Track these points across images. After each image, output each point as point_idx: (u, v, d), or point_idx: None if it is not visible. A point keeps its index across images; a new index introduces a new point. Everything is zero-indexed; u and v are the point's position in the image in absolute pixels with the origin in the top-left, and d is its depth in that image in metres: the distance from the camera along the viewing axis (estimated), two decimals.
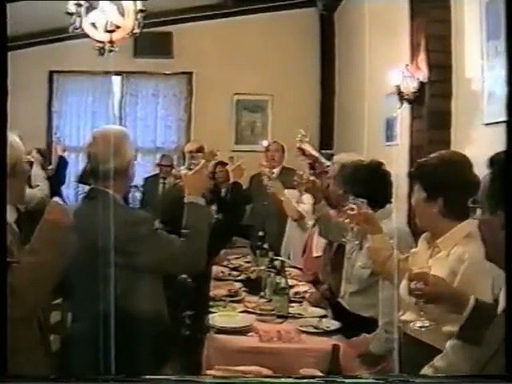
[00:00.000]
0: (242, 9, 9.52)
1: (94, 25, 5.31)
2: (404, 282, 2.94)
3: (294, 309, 4.06)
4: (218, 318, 3.80)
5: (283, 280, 4.07)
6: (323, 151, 9.10)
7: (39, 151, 7.32)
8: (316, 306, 4.19)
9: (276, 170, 7.04)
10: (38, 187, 6.53)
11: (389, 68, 5.79)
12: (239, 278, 5.02)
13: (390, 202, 3.91)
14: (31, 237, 2.73)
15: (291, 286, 4.40)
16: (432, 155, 3.00)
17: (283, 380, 2.69)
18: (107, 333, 2.64)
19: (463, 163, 2.94)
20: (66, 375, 2.67)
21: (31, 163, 2.94)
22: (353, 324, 3.73)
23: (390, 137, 6.40)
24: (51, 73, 9.73)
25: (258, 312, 3.97)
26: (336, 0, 9.25)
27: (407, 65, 5.60)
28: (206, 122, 9.44)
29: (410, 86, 5.52)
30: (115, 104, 9.86)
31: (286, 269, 4.52)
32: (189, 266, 3.17)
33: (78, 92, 9.84)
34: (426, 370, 2.62)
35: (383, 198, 3.90)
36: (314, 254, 5.18)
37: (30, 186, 6.02)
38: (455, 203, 2.81)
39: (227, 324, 3.67)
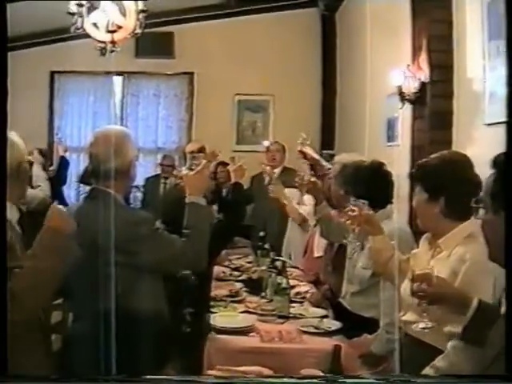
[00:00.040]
0: (243, 9, 9.53)
1: (95, 25, 5.31)
2: (406, 283, 2.94)
3: (295, 309, 4.06)
4: (219, 318, 3.80)
5: (284, 280, 4.07)
6: (324, 151, 9.14)
7: (40, 152, 7.32)
8: (317, 307, 4.18)
9: (277, 170, 7.05)
10: (40, 187, 6.54)
11: (390, 68, 5.79)
12: (240, 278, 5.02)
13: (391, 203, 3.90)
14: (32, 236, 2.73)
15: (292, 287, 4.40)
16: (432, 156, 3.00)
17: (285, 380, 2.69)
18: (108, 332, 2.64)
19: (464, 163, 2.94)
20: (67, 375, 2.67)
21: (31, 163, 2.94)
22: (354, 324, 3.73)
23: (391, 137, 6.40)
24: (52, 73, 9.75)
25: (259, 312, 3.97)
26: (337, 0, 9.25)
27: (409, 65, 5.60)
28: (208, 123, 9.44)
29: (412, 86, 5.52)
30: (116, 104, 9.87)
31: (287, 269, 4.52)
32: (190, 266, 3.17)
33: (80, 92, 9.85)
34: (427, 371, 2.62)
35: (384, 199, 3.89)
36: (316, 254, 5.18)
37: (32, 187, 6.02)
38: (457, 203, 2.81)
39: (228, 324, 3.67)
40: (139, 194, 8.49)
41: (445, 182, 2.83)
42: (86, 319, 2.98)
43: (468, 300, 2.47)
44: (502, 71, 4.10)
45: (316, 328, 3.68)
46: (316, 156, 4.98)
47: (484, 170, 2.39)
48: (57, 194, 7.18)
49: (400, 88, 5.63)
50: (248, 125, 9.94)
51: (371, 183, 3.88)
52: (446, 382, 2.57)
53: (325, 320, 3.84)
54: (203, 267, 3.26)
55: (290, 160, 7.04)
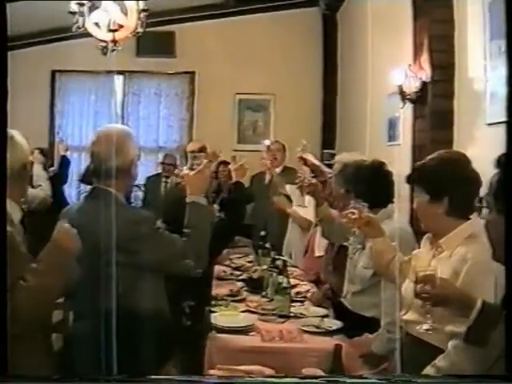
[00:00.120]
0: (244, 8, 9.53)
1: (96, 24, 5.31)
2: (407, 282, 2.94)
3: (296, 308, 4.07)
4: (220, 317, 3.80)
5: (285, 279, 4.08)
6: (325, 151, 9.17)
7: (41, 151, 7.31)
8: (318, 306, 4.19)
9: (278, 170, 7.06)
10: (40, 187, 6.54)
11: (391, 67, 5.79)
12: (241, 277, 5.03)
13: (392, 202, 3.90)
14: (33, 236, 2.74)
15: (293, 286, 4.40)
16: (429, 157, 3.00)
17: (286, 380, 2.69)
18: (109, 332, 2.64)
19: (463, 161, 2.95)
20: (68, 375, 2.67)
21: (32, 163, 2.94)
22: (355, 324, 3.73)
23: (392, 136, 6.40)
24: (53, 72, 9.75)
25: (260, 311, 3.97)
26: (339, 0, 9.26)
27: (410, 64, 5.60)
28: (208, 122, 9.44)
29: (413, 86, 5.52)
30: (117, 103, 9.87)
31: (288, 268, 4.52)
32: (190, 267, 3.17)
33: (81, 91, 9.85)
34: (428, 370, 2.62)
35: (385, 198, 3.89)
36: (317, 254, 5.18)
37: (32, 186, 6.03)
38: (461, 202, 2.80)
39: (229, 323, 3.68)
40: (140, 193, 8.49)
41: (447, 182, 2.82)
42: (86, 318, 2.98)
43: (471, 301, 2.47)
44: (503, 71, 4.09)
45: (317, 327, 3.68)
46: (316, 162, 4.98)
47: (485, 170, 2.39)
48: (58, 194, 7.18)
49: (401, 87, 5.63)
50: (249, 124, 9.94)
51: (372, 183, 3.88)
52: (446, 382, 2.57)
53: (326, 319, 3.84)
54: (204, 267, 3.25)
55: (290, 159, 7.02)
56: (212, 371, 3.14)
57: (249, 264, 5.44)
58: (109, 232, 2.77)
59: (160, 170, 8.64)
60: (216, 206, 4.74)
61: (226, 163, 6.55)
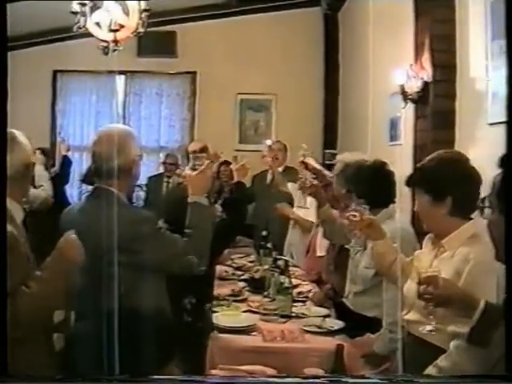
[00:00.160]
0: (246, 8, 9.52)
1: (98, 24, 5.31)
2: (409, 282, 2.94)
3: (298, 308, 4.07)
4: (222, 317, 3.81)
5: (287, 279, 4.08)
6: (327, 151, 9.16)
7: (42, 151, 7.32)
8: (319, 306, 4.19)
9: (279, 169, 7.07)
10: (42, 187, 6.54)
11: (393, 67, 5.78)
12: (243, 277, 5.03)
13: (394, 202, 3.90)
14: (35, 236, 2.74)
15: (295, 286, 4.41)
16: (428, 158, 3.00)
17: (288, 380, 2.69)
18: (111, 331, 2.65)
19: (463, 161, 2.95)
20: (69, 375, 2.68)
21: (34, 163, 2.95)
22: (356, 324, 3.73)
23: (393, 136, 6.39)
24: (55, 72, 9.74)
25: (262, 311, 3.97)
26: (340, 0, 9.26)
27: (411, 64, 5.60)
28: (210, 122, 9.43)
29: (414, 86, 5.51)
30: (119, 103, 9.86)
31: (290, 268, 4.52)
32: (191, 267, 3.16)
33: (82, 91, 9.85)
34: (430, 370, 2.62)
35: (386, 198, 3.89)
36: (318, 254, 5.18)
37: (34, 186, 6.03)
38: (464, 200, 2.80)
39: (231, 323, 3.68)
40: (142, 193, 8.48)
41: (449, 182, 2.82)
42: (88, 318, 2.98)
43: (474, 302, 2.46)
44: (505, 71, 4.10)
45: (318, 327, 3.68)
46: (318, 166, 4.98)
47: (487, 170, 2.39)
48: (59, 194, 7.18)
49: (403, 87, 5.63)
50: (250, 124, 9.93)
51: (373, 182, 3.88)
52: (447, 382, 2.57)
53: (327, 319, 3.84)
54: (204, 269, 3.25)
55: (291, 160, 7.02)
56: (214, 371, 3.14)
57: (250, 264, 5.44)
58: (110, 232, 2.77)
59: (162, 170, 8.64)
60: (218, 207, 4.75)
61: (227, 163, 6.55)
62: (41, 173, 6.64)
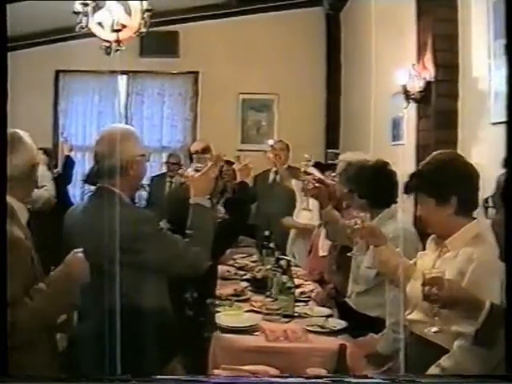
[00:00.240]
0: (247, 8, 9.52)
1: (100, 24, 5.30)
2: (412, 282, 2.94)
3: (300, 308, 4.07)
4: (224, 317, 3.81)
5: (289, 279, 4.07)
6: (329, 150, 9.16)
7: (45, 151, 7.32)
8: (322, 306, 4.19)
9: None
10: (45, 187, 6.54)
11: (395, 67, 5.78)
12: (245, 277, 5.03)
13: (396, 202, 3.90)
14: (37, 236, 2.74)
15: (297, 286, 4.41)
16: (425, 162, 2.99)
17: (291, 380, 2.69)
18: (113, 331, 2.65)
19: (460, 159, 2.96)
20: (70, 375, 2.68)
21: (38, 164, 2.95)
22: (359, 324, 3.73)
23: (396, 136, 6.39)
24: (57, 72, 9.74)
25: (264, 311, 3.97)
26: None
27: (414, 64, 5.59)
28: (212, 122, 9.43)
29: (417, 86, 5.51)
30: (121, 103, 9.86)
31: (292, 268, 4.52)
32: (191, 268, 3.16)
33: (84, 91, 9.85)
34: (433, 370, 2.62)
35: (388, 198, 3.89)
36: (321, 254, 5.18)
37: (37, 187, 6.03)
38: (468, 197, 2.80)
39: (233, 323, 3.68)
40: (144, 193, 8.48)
41: (452, 182, 2.81)
42: (91, 318, 2.98)
43: (480, 303, 2.46)
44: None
45: (321, 327, 3.68)
46: (320, 175, 4.98)
47: (490, 169, 2.39)
48: (62, 194, 7.19)
49: (405, 87, 5.62)
50: (253, 124, 9.93)
51: (375, 182, 3.89)
52: (448, 382, 2.57)
53: (330, 319, 3.84)
54: (205, 269, 3.24)
55: (294, 159, 7.03)
56: (216, 371, 3.15)
57: (253, 264, 5.45)
58: (112, 232, 2.77)
59: (164, 170, 8.64)
60: (221, 208, 4.75)
61: (230, 163, 6.55)
62: (43, 173, 6.64)
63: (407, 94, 5.64)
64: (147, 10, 5.42)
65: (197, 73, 9.79)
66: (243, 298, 4.38)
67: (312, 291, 4.56)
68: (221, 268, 5.25)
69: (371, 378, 3.00)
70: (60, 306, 2.66)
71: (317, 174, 4.75)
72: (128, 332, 2.67)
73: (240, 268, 5.42)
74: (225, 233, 4.24)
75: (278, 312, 3.92)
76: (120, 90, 9.78)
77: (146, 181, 8.27)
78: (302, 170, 4.63)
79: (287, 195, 6.54)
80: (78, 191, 9.06)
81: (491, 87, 4.49)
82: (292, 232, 6.33)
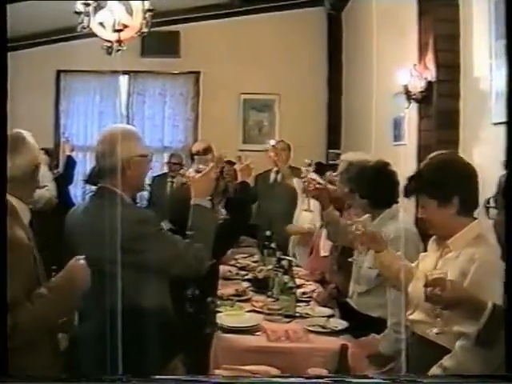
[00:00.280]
0: (249, 8, 9.52)
1: (101, 24, 5.31)
2: (414, 283, 2.94)
3: (302, 308, 4.08)
4: (226, 317, 3.81)
5: (291, 279, 4.08)
6: (331, 150, 9.17)
7: (46, 152, 7.31)
8: (323, 306, 4.19)
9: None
10: (46, 187, 6.54)
11: (396, 67, 5.78)
12: (247, 277, 5.03)
13: (397, 202, 3.90)
14: (40, 237, 2.74)
15: (299, 286, 4.41)
16: (423, 163, 2.99)
17: (293, 380, 2.69)
18: (114, 331, 2.65)
19: (458, 159, 2.96)
20: (73, 375, 2.68)
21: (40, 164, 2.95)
22: (361, 324, 3.73)
23: (397, 136, 6.39)
24: (58, 72, 9.74)
25: (266, 311, 3.98)
26: None
27: (415, 64, 5.59)
28: (214, 122, 9.43)
29: (418, 86, 5.51)
30: (122, 103, 9.87)
31: (294, 268, 4.52)
32: (190, 269, 3.16)
33: (86, 91, 9.85)
34: (435, 370, 2.61)
35: (389, 198, 3.89)
36: (322, 254, 5.18)
37: (38, 187, 6.02)
38: (469, 196, 2.80)
39: (235, 323, 3.68)
40: (146, 193, 8.47)
41: (453, 182, 2.81)
42: (92, 318, 2.98)
43: (482, 304, 2.46)
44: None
45: (323, 327, 3.68)
46: (321, 181, 4.99)
47: (492, 169, 2.39)
48: (63, 194, 7.18)
49: (406, 87, 5.62)
50: (254, 124, 9.93)
51: (376, 183, 3.89)
52: (449, 381, 2.57)
53: (331, 319, 3.85)
54: (205, 270, 3.24)
55: (296, 159, 7.02)
56: (218, 371, 3.15)
57: (254, 264, 5.45)
58: (113, 232, 2.77)
59: (166, 170, 8.64)
60: (222, 210, 4.75)
61: (231, 163, 6.55)
62: (44, 173, 6.62)
63: (408, 94, 5.64)
64: (149, 10, 5.42)
65: (198, 73, 9.79)
66: (245, 298, 4.38)
67: (313, 291, 4.56)
68: (222, 268, 5.25)
69: (372, 378, 2.99)
70: (61, 312, 2.65)
71: (318, 180, 4.74)
72: (129, 332, 2.67)
73: (241, 268, 5.42)
74: (226, 233, 4.25)
75: (280, 312, 3.93)
76: (121, 90, 9.78)
77: (147, 181, 8.27)
78: (303, 175, 4.63)
79: (288, 195, 6.55)
80: (79, 191, 9.06)
81: (493, 87, 4.49)
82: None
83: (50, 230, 4.29)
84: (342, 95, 9.60)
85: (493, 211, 2.29)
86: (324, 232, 4.92)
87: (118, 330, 2.65)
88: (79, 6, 5.26)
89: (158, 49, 9.35)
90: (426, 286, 2.52)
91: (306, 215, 5.72)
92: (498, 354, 2.39)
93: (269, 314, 3.92)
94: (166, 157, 9.11)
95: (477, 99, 4.83)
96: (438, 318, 2.58)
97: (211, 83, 9.59)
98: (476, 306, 2.48)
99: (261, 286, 4.56)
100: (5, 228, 2.40)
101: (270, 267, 4.65)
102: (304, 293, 4.48)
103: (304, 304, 4.23)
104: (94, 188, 3.36)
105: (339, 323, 3.76)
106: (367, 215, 3.98)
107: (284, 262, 4.30)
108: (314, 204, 4.83)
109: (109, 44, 5.40)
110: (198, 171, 3.27)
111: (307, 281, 4.93)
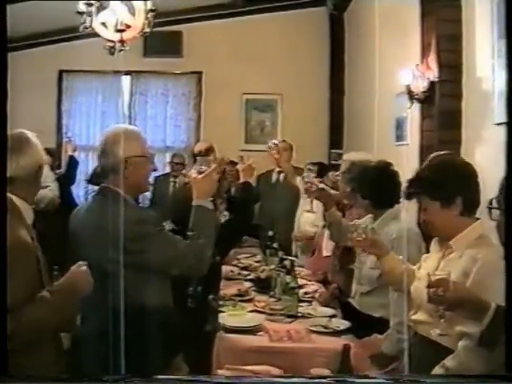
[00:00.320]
0: (251, 8, 9.52)
1: (104, 24, 5.31)
2: (416, 283, 2.94)
3: (304, 308, 4.08)
4: (228, 317, 3.81)
5: (293, 280, 4.08)
6: (333, 151, 9.17)
7: (48, 152, 7.32)
8: (326, 306, 4.19)
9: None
10: (48, 188, 6.54)
11: (399, 67, 5.78)
12: (249, 277, 5.03)
13: (399, 202, 3.90)
14: (42, 238, 2.74)
15: (301, 286, 4.41)
16: (424, 165, 3.00)
17: (295, 380, 2.69)
18: (116, 331, 2.65)
19: (457, 159, 2.97)
20: (73, 375, 2.68)
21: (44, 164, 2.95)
22: (363, 324, 3.73)
23: (400, 137, 6.38)
24: (61, 72, 9.74)
25: (268, 311, 3.98)
26: (346, 0, 9.25)
27: (417, 64, 5.59)
28: (216, 122, 9.43)
29: (420, 86, 5.50)
30: (125, 103, 9.86)
31: (296, 268, 4.52)
32: (191, 269, 3.16)
33: (88, 91, 9.85)
34: (437, 370, 2.61)
35: (391, 199, 3.89)
36: (324, 254, 5.18)
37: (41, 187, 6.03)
38: (472, 197, 2.80)
39: (237, 323, 3.68)
40: (148, 193, 8.47)
41: (455, 183, 2.81)
42: (94, 318, 2.98)
43: (485, 304, 2.45)
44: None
45: (325, 327, 3.68)
46: (320, 185, 4.99)
47: (494, 170, 2.38)
48: (66, 194, 7.18)
49: (409, 87, 5.62)
50: (256, 124, 9.93)
51: (377, 183, 3.89)
52: (449, 381, 2.57)
53: (333, 319, 3.85)
54: (204, 271, 3.23)
55: (298, 159, 7.03)
56: (220, 371, 3.15)
57: (256, 264, 5.45)
58: (114, 231, 2.77)
59: (168, 170, 8.64)
60: (226, 213, 4.76)
61: (233, 163, 6.55)
62: (47, 173, 6.63)
63: (411, 95, 5.64)
64: (151, 10, 5.43)
65: (200, 73, 9.79)
66: (247, 298, 4.38)
67: (315, 291, 4.56)
68: (224, 268, 5.25)
69: (375, 378, 2.99)
70: (62, 316, 2.65)
71: (319, 185, 4.74)
72: (131, 331, 2.67)
73: (244, 268, 5.42)
74: (228, 233, 4.25)
75: (282, 312, 3.93)
76: (124, 90, 9.77)
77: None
78: (305, 180, 4.64)
79: (291, 194, 6.55)
80: (81, 191, 9.06)
81: (495, 87, 4.48)
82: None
83: (52, 230, 4.30)
84: (345, 95, 9.60)
85: (495, 212, 2.28)
86: (326, 232, 4.92)
87: (120, 330, 2.65)
88: (82, 6, 5.27)
89: (161, 49, 9.35)
90: (428, 286, 2.52)
91: (308, 216, 5.73)
92: (500, 354, 2.39)
93: (271, 314, 3.93)
94: (168, 157, 9.13)
95: (479, 99, 4.83)
96: (441, 319, 2.58)
97: (213, 83, 9.58)
98: (479, 306, 2.47)
99: (263, 286, 4.56)
100: (5, 228, 2.40)
101: (272, 267, 4.65)
102: (306, 293, 4.48)
103: (306, 304, 4.23)
104: (96, 188, 3.36)
105: (341, 323, 3.76)
106: (368, 216, 4.00)
107: (286, 262, 4.30)
108: (317, 205, 4.84)
109: (111, 44, 5.40)
110: (199, 172, 3.27)
111: (309, 281, 4.93)
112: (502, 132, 4.15)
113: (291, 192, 6.53)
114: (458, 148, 4.97)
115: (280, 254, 4.91)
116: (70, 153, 7.84)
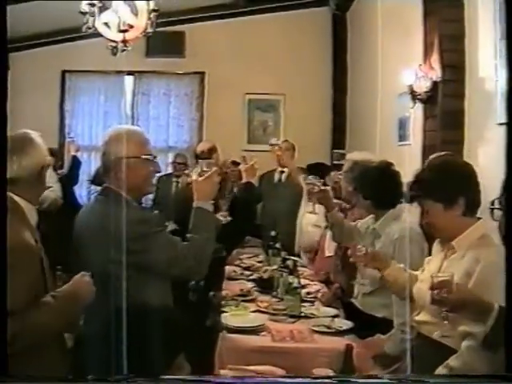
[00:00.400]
0: (254, 8, 9.52)
1: (107, 24, 5.31)
2: (418, 284, 2.94)
3: (307, 308, 4.08)
4: (231, 317, 3.81)
5: (295, 280, 4.08)
6: (335, 151, 9.18)
7: (51, 152, 7.31)
8: (328, 306, 4.19)
9: (287, 170, 7.07)
10: (51, 188, 6.54)
11: (402, 67, 5.78)
12: (251, 277, 5.03)
13: (401, 202, 3.89)
14: (44, 238, 2.74)
15: (303, 286, 4.41)
16: (424, 167, 2.99)
17: (298, 380, 2.69)
18: (119, 331, 2.65)
19: (457, 160, 2.96)
20: (75, 375, 2.69)
21: (48, 165, 2.95)
22: (365, 324, 3.73)
23: (402, 136, 6.38)
24: (63, 72, 9.75)
25: (271, 312, 3.98)
26: (348, 0, 9.25)
27: (420, 64, 5.59)
28: (218, 122, 9.43)
29: (423, 86, 5.50)
30: (127, 103, 9.86)
31: (298, 268, 4.52)
32: (190, 271, 3.16)
33: (91, 91, 9.86)
34: (441, 370, 2.61)
35: (393, 199, 3.89)
36: (327, 254, 5.18)
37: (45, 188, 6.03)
38: (475, 197, 2.80)
39: (239, 323, 3.68)
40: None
41: (457, 184, 2.81)
42: (96, 319, 2.98)
43: (488, 305, 2.45)
44: None
45: (327, 327, 3.68)
46: (322, 186, 5.00)
47: (497, 170, 2.39)
48: (68, 194, 7.18)
49: (411, 87, 5.62)
50: (259, 124, 9.93)
51: (379, 184, 3.89)
52: (449, 381, 2.57)
53: (336, 319, 3.85)
54: (203, 273, 3.23)
55: (300, 159, 7.03)
56: (223, 371, 3.15)
57: (259, 264, 5.45)
58: (116, 232, 2.77)
59: (170, 170, 8.64)
60: (228, 218, 4.77)
61: (236, 163, 6.55)
62: (49, 173, 6.63)
63: (414, 94, 5.63)
64: (154, 10, 5.42)
65: (203, 73, 9.79)
66: (249, 298, 4.38)
67: (318, 291, 4.56)
68: (227, 268, 5.26)
69: (378, 378, 2.99)
70: (63, 321, 2.65)
71: (317, 184, 4.74)
72: (132, 331, 2.67)
73: (246, 268, 5.42)
74: (231, 233, 4.25)
75: (285, 312, 3.93)
76: (126, 90, 9.78)
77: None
78: (307, 182, 4.64)
79: (293, 194, 6.54)
80: (84, 192, 9.07)
81: (498, 87, 4.48)
82: (298, 231, 6.33)
83: (55, 231, 4.30)
84: (347, 95, 9.60)
85: (497, 212, 2.28)
86: (329, 233, 4.92)
87: (122, 330, 2.65)
88: (84, 7, 5.27)
89: (163, 49, 9.35)
90: (431, 288, 2.51)
91: (311, 217, 5.72)
92: (503, 353, 2.38)
93: (274, 314, 3.93)
94: (170, 157, 9.12)
95: (482, 99, 4.83)
96: (444, 320, 2.58)
97: (216, 83, 9.59)
98: (482, 308, 2.47)
99: (266, 286, 4.56)
100: (5, 229, 2.40)
101: (274, 267, 4.65)
102: (309, 293, 4.48)
103: (309, 304, 4.23)
104: (98, 188, 3.36)
105: (344, 323, 3.76)
106: (370, 216, 4.00)
107: (289, 262, 4.31)
108: (319, 206, 4.84)
109: (114, 44, 5.41)
110: (201, 174, 3.27)
111: (312, 281, 4.93)
112: (504, 132, 4.16)
113: (294, 191, 6.52)
114: (460, 148, 4.97)
115: (282, 254, 4.91)
116: (72, 153, 7.85)
